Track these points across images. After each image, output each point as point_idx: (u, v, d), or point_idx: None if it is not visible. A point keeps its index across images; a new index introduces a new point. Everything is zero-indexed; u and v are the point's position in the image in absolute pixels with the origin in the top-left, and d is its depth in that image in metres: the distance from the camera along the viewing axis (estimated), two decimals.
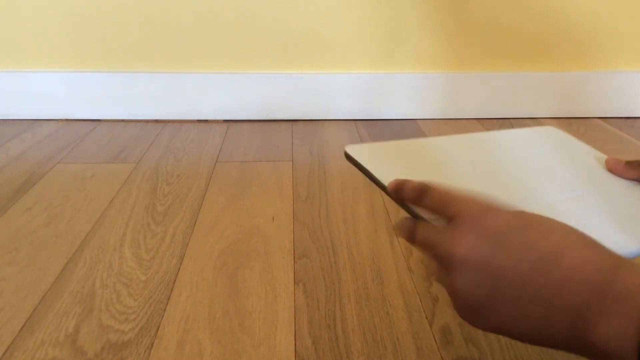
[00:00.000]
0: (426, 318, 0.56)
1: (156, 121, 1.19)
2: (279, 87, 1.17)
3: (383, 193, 0.85)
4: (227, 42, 1.14)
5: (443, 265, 0.33)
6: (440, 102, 1.21)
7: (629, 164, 0.45)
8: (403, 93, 1.19)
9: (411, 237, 0.37)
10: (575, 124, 1.20)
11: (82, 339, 0.52)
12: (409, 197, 0.37)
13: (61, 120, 1.18)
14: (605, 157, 0.48)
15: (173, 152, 1.00)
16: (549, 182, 0.44)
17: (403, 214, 0.78)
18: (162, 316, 0.56)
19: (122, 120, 1.19)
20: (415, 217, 0.38)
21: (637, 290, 0.25)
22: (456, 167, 0.46)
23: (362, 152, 0.46)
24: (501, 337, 0.53)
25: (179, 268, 0.64)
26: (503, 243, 0.30)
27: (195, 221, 0.75)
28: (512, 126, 1.08)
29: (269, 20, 1.12)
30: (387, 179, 0.41)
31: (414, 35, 1.14)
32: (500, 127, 1.16)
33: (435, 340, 0.53)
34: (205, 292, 0.60)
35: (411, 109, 1.21)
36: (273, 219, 0.76)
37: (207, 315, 0.56)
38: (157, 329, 0.54)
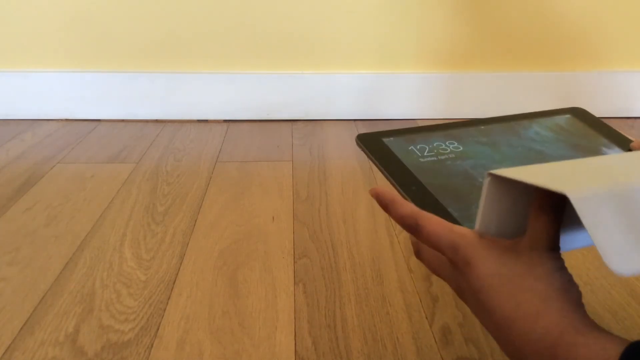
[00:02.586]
0: (426, 318, 0.56)
1: (156, 121, 1.19)
2: (279, 87, 1.17)
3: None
4: (227, 42, 1.14)
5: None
6: (440, 101, 1.21)
7: None
8: (403, 93, 1.19)
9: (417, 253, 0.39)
10: None
11: (82, 339, 0.52)
12: (398, 222, 0.36)
13: (61, 120, 1.18)
14: None
15: (173, 152, 1.00)
16: None
17: None
18: (162, 316, 0.56)
19: (122, 120, 1.19)
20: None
21: None
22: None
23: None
24: None
25: (179, 268, 0.64)
26: (479, 299, 0.33)
27: (195, 221, 0.75)
28: None
29: (269, 20, 1.12)
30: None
31: (414, 35, 1.15)
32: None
33: (435, 340, 0.53)
34: (205, 292, 0.60)
35: (411, 109, 1.21)
36: (273, 219, 0.76)
37: (207, 315, 0.56)
38: (157, 329, 0.54)
